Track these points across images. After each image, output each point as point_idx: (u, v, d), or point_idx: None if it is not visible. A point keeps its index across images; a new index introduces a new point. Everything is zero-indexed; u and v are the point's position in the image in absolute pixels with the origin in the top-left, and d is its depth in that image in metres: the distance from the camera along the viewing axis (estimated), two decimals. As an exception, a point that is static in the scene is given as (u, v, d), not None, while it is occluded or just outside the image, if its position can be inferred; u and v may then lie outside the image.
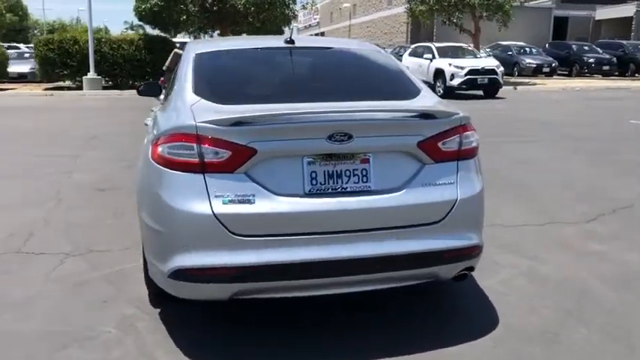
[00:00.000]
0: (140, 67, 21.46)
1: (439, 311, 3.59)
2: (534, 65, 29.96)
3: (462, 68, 18.72)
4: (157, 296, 3.40)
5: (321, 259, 2.83)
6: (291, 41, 3.68)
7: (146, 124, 4.51)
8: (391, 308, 3.58)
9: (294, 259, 2.80)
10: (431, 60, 19.99)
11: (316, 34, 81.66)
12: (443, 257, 3.04)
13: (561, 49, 33.42)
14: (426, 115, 3.00)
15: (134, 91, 5.61)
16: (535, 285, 3.94)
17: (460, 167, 3.08)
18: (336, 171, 2.90)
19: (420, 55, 20.89)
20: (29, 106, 16.02)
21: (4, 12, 62.42)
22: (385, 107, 3.03)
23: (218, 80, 3.42)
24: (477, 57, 20.71)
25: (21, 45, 38.49)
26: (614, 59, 31.16)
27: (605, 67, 30.95)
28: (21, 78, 24.89)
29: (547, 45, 35.54)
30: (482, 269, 4.06)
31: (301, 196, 2.85)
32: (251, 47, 4.00)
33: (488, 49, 30.94)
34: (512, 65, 29.99)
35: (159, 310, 3.50)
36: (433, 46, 20.96)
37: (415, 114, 3.00)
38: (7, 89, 21.60)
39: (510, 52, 31.05)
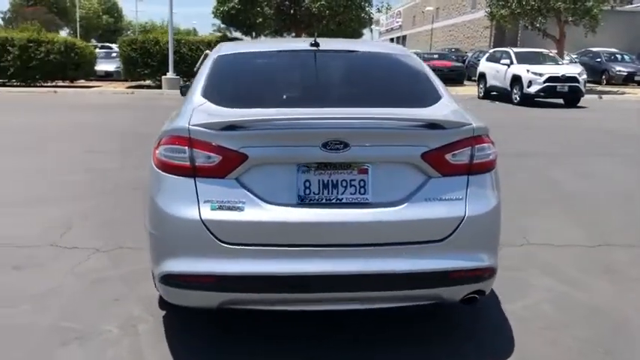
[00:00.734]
0: (216, 68, 21.94)
1: (452, 334, 3.36)
2: (625, 73, 28.20)
3: (540, 75, 17.85)
4: (162, 299, 3.39)
5: (311, 273, 2.70)
6: (316, 44, 3.57)
7: None
8: (396, 327, 3.39)
9: (282, 272, 2.69)
10: (508, 65, 19.20)
11: (397, 38, 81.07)
12: (447, 278, 2.83)
13: (659, 57, 31.28)
14: (432, 125, 2.79)
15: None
16: (564, 312, 3.61)
17: (471, 182, 2.85)
18: (332, 181, 2.76)
19: (498, 61, 20.11)
20: (107, 104, 16.83)
21: (100, 14, 66.28)
22: (385, 115, 2.84)
23: (228, 83, 3.36)
24: (558, 63, 19.70)
25: (113, 45, 40.59)
26: None
27: None
28: (107, 76, 26.18)
29: (641, 52, 33.41)
30: (509, 291, 3.84)
31: (293, 206, 2.73)
32: (273, 50, 3.92)
33: (574, 56, 29.47)
34: (600, 73, 28.45)
35: (164, 312, 3.48)
36: (511, 51, 20.15)
37: (419, 123, 2.80)
38: (93, 87, 22.80)
39: (599, 59, 29.41)
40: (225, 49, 3.83)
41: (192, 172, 2.74)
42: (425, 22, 62.43)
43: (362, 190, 2.77)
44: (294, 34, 24.67)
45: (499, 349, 3.16)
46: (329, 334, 3.29)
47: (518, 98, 18.44)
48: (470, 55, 34.59)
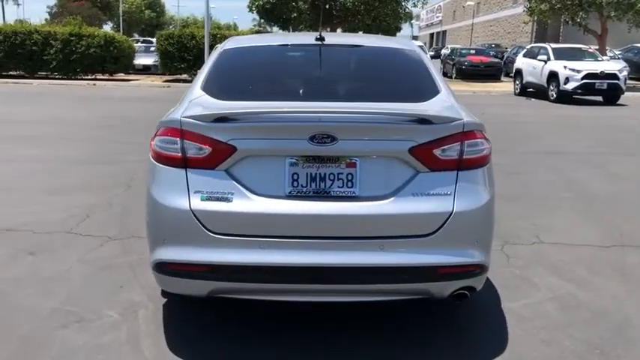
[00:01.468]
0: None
1: (446, 333, 3.32)
2: (671, 70, 27.18)
3: (578, 72, 17.39)
4: None
5: (297, 264, 2.73)
6: (321, 38, 3.58)
7: None
8: (391, 321, 3.39)
9: (269, 262, 2.73)
10: (545, 62, 18.76)
11: (437, 33, 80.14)
12: (435, 274, 2.82)
13: None
14: (420, 120, 2.78)
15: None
16: (566, 313, 3.54)
17: (461, 177, 2.83)
18: (320, 174, 2.78)
19: (535, 56, 19.70)
20: (143, 97, 17.17)
21: (143, 9, 67.57)
22: (372, 109, 2.84)
23: (228, 76, 3.42)
24: (597, 60, 19.14)
25: (154, 40, 41.39)
26: None
27: None
28: (145, 70, 26.72)
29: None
30: (513, 289, 3.80)
31: (281, 198, 2.77)
32: (278, 44, 3.96)
33: (618, 52, 28.59)
34: (645, 70, 27.48)
35: (165, 300, 3.56)
36: (549, 47, 19.68)
37: (407, 118, 2.79)
38: (132, 80, 23.31)
39: (644, 56, 28.43)
40: (231, 43, 3.88)
41: (184, 163, 2.80)
42: (465, 17, 61.59)
43: (349, 184, 2.78)
44: (328, 29, 24.66)
45: (492, 348, 3.12)
46: (324, 330, 3.32)
47: (554, 95, 18.03)
48: (509, 50, 33.97)
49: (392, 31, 27.84)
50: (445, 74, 22.53)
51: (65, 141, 9.28)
